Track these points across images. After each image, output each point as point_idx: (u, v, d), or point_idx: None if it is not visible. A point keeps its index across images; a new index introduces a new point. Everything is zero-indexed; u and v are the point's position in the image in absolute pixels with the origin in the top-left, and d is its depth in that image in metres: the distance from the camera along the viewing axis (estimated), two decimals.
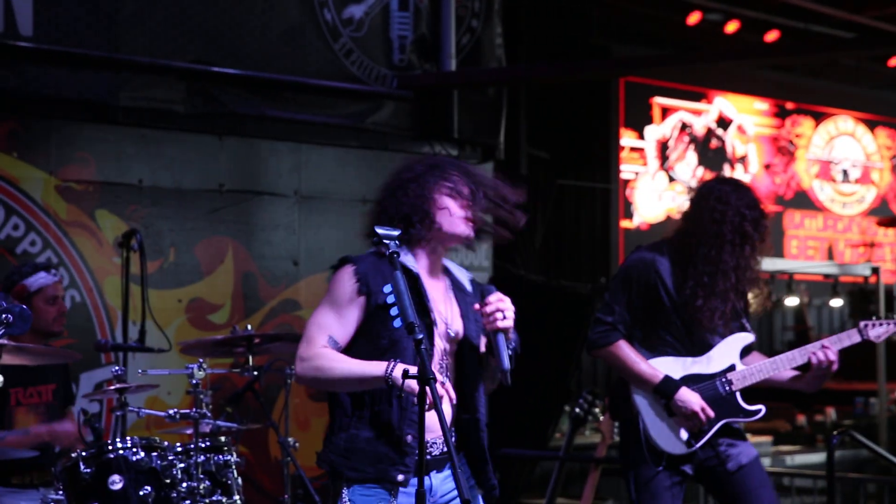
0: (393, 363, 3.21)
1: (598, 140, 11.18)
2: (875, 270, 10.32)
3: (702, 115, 12.08)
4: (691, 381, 4.44)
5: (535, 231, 10.00)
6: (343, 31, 7.17)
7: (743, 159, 12.40)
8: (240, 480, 4.78)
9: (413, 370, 3.13)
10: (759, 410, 4.47)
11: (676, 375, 4.42)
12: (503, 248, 8.11)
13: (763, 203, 4.50)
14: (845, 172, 13.39)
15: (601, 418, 6.12)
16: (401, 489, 3.32)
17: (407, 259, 3.40)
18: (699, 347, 4.49)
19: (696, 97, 12.01)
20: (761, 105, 12.63)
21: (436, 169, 3.48)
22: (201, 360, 4.97)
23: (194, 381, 4.88)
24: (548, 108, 10.63)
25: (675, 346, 4.47)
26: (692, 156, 11.97)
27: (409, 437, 3.32)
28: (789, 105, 12.85)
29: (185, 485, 4.51)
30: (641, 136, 11.50)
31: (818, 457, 8.97)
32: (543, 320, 7.49)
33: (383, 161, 7.28)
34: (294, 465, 5.38)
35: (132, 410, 4.94)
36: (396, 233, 3.41)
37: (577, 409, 6.07)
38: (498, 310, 3.31)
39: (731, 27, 11.46)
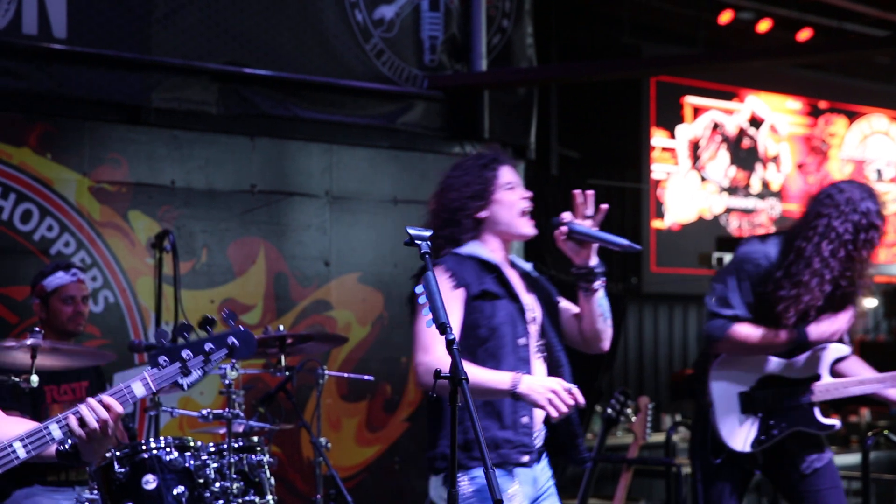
0: (518, 377, 3.28)
1: (629, 140, 11.16)
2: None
3: (734, 115, 12.01)
4: (773, 382, 4.40)
5: None
6: (374, 32, 7.19)
7: (776, 159, 12.33)
8: (272, 480, 4.80)
9: (535, 380, 3.24)
10: (834, 426, 4.41)
11: (762, 373, 4.39)
12: (534, 247, 8.11)
13: (878, 215, 4.29)
14: (879, 172, 13.29)
15: (633, 419, 6.10)
16: (520, 469, 3.42)
17: (481, 251, 3.50)
18: (793, 349, 4.41)
19: (728, 96, 11.95)
20: (794, 104, 12.55)
21: (479, 167, 3.55)
22: (234, 361, 4.99)
23: (227, 382, 4.90)
24: (578, 107, 10.62)
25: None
26: (724, 155, 11.91)
27: (525, 419, 3.43)
28: (822, 104, 12.76)
29: (217, 485, 4.53)
30: (673, 136, 11.46)
31: (853, 458, 8.91)
32: None
33: (414, 161, 7.29)
34: (326, 465, 5.39)
35: (165, 410, 4.97)
36: (428, 233, 3.43)
37: (609, 410, 6.04)
38: (573, 220, 3.49)
39: (764, 26, 11.40)
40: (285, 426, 5.41)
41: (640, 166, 11.17)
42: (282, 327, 5.46)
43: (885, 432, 5.81)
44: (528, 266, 3.67)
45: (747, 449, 4.39)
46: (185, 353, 2.80)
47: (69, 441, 2.77)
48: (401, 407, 7.09)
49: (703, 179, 11.72)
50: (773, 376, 4.42)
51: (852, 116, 13.03)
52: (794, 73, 12.26)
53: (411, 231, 3.59)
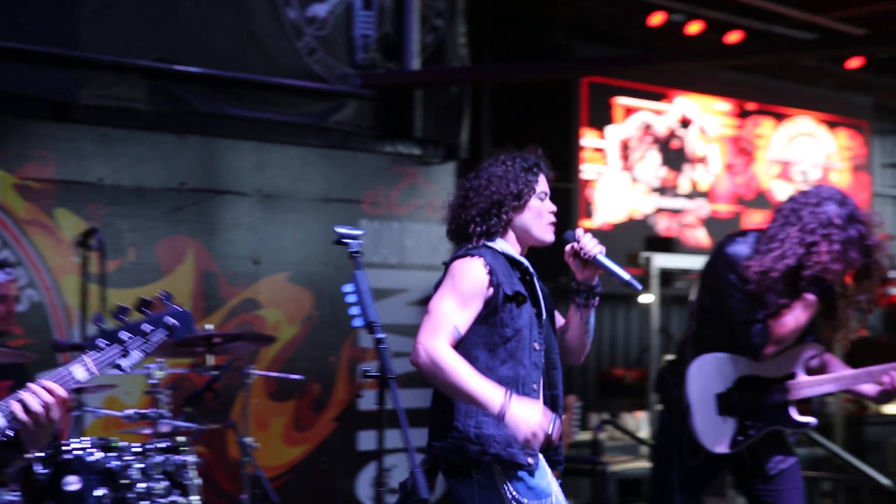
0: (508, 401, 3.28)
1: (561, 140, 11.21)
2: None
3: (664, 116, 12.13)
4: (749, 382, 4.44)
5: None
6: (306, 30, 7.17)
7: (704, 159, 12.47)
8: (198, 480, 4.78)
9: (523, 411, 3.26)
10: (808, 423, 4.46)
11: (738, 374, 4.43)
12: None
13: (860, 229, 4.31)
14: (805, 173, 13.50)
15: (562, 418, 6.14)
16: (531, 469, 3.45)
17: (511, 250, 3.54)
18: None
19: (659, 97, 12.07)
20: (722, 105, 12.71)
21: (523, 171, 3.62)
22: (160, 360, 4.97)
23: (153, 381, 4.87)
24: (510, 107, 10.66)
25: None
26: (654, 156, 12.02)
27: None
28: (750, 106, 12.93)
29: (142, 485, 4.50)
30: (603, 136, 11.55)
31: None
32: None
33: (346, 160, 7.29)
34: (253, 464, 5.38)
35: (89, 410, 4.93)
36: (359, 232, 3.47)
37: None
38: (590, 239, 3.56)
39: (694, 28, 11.52)
40: (212, 426, 5.39)
41: (570, 166, 11.24)
42: (211, 326, 5.44)
43: (807, 430, 5.90)
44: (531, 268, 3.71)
45: (726, 450, 4.42)
46: (124, 335, 2.77)
47: (11, 429, 2.74)
48: (329, 406, 7.08)
49: (633, 180, 11.83)
50: (749, 377, 4.45)
51: (779, 118, 13.22)
52: (723, 74, 12.41)
53: (340, 230, 3.61)
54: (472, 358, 3.45)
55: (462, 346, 3.45)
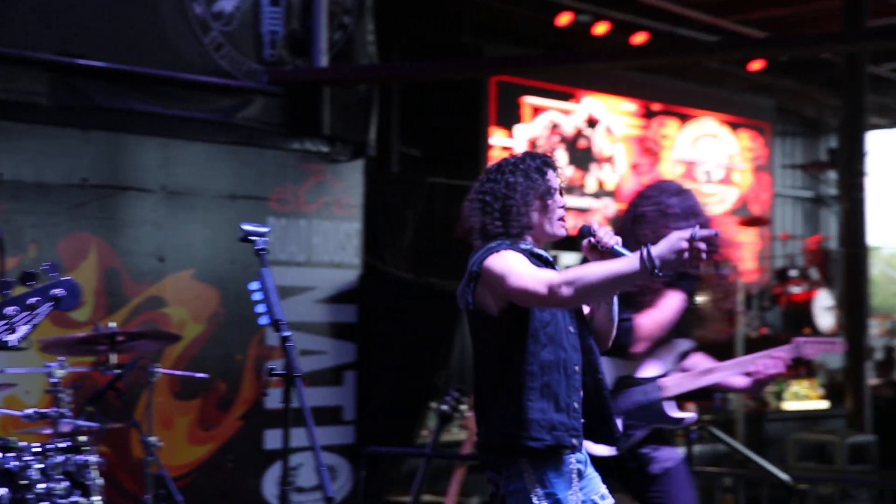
0: (646, 252, 3.21)
1: (470, 138, 11.27)
2: (734, 269, 10.60)
3: (571, 115, 12.25)
4: (625, 383, 4.46)
5: (405, 229, 10.03)
6: (213, 25, 7.10)
7: (610, 159, 12.62)
8: (100, 480, 4.71)
9: (662, 245, 3.19)
10: (685, 419, 4.50)
11: (615, 375, 4.44)
12: (372, 245, 8.14)
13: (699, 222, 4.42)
14: (708, 173, 13.73)
15: (468, 415, 6.17)
16: (572, 455, 3.49)
17: (534, 248, 3.57)
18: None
19: (566, 97, 12.18)
20: (628, 106, 12.87)
21: (535, 171, 3.61)
22: (61, 359, 4.89)
23: (54, 380, 4.79)
24: (419, 105, 10.67)
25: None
26: (561, 155, 12.13)
27: (576, 404, 3.51)
28: (655, 106, 13.11)
29: (41, 486, 4.43)
30: (512, 135, 11.62)
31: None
32: (412, 318, 7.53)
33: (252, 157, 7.24)
34: (157, 464, 5.32)
35: None
36: (265, 229, 3.46)
37: (445, 407, 6.11)
38: (605, 232, 3.57)
39: (601, 29, 11.65)
40: (115, 425, 5.32)
41: (479, 165, 11.29)
42: (114, 324, 5.37)
43: (708, 427, 6.01)
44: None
45: (610, 452, 4.40)
46: (10, 310, 2.69)
47: None
48: (235, 405, 7.03)
49: None
50: (625, 377, 4.49)
51: (684, 119, 13.42)
52: (629, 75, 12.57)
53: (246, 227, 3.59)
54: (511, 342, 3.50)
55: (501, 332, 3.50)
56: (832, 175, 15.55)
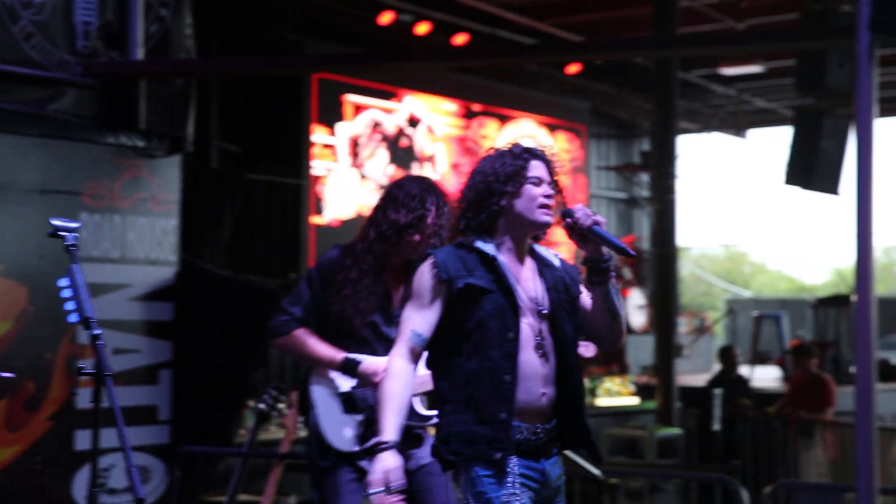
0: (389, 444, 3.34)
1: (290, 135, 11.21)
2: None
3: (393, 114, 12.30)
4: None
5: (224, 225, 9.93)
6: (23, 14, 6.87)
7: (432, 158, 12.72)
8: None
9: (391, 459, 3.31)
10: (432, 416, 4.48)
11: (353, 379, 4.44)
12: (190, 242, 8.02)
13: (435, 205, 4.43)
14: None
15: (286, 413, 6.15)
16: (506, 468, 3.37)
17: (487, 246, 3.46)
18: (374, 350, 4.46)
19: (388, 96, 12.23)
20: (449, 106, 13.00)
21: (511, 157, 3.51)
22: None
23: None
24: (240, 101, 10.56)
25: (350, 348, 4.50)
26: (383, 154, 12.17)
27: (503, 416, 3.37)
28: (476, 107, 13.28)
29: None
30: (333, 133, 11.61)
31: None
32: (230, 315, 7.45)
33: (65, 150, 7.03)
34: None
35: None
36: (76, 225, 3.38)
37: (262, 405, 6.06)
38: (582, 212, 3.43)
39: (422, 29, 11.75)
40: None
41: (300, 162, 11.25)
42: None
43: None
44: (552, 257, 3.61)
45: (352, 448, 4.41)
46: None
47: None
48: (44, 405, 6.82)
49: (363, 177, 11.94)
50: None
51: (503, 120, 13.63)
52: (450, 75, 12.70)
53: (55, 222, 3.49)
54: (440, 357, 3.47)
55: (436, 347, 3.47)
56: (645, 177, 16.03)
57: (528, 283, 3.52)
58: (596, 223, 3.43)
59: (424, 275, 3.45)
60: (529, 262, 3.57)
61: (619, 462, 10.63)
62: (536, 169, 3.51)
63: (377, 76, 11.89)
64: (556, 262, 3.60)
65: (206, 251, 8.77)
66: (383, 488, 3.31)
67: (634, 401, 12.66)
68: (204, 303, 7.50)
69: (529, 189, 3.47)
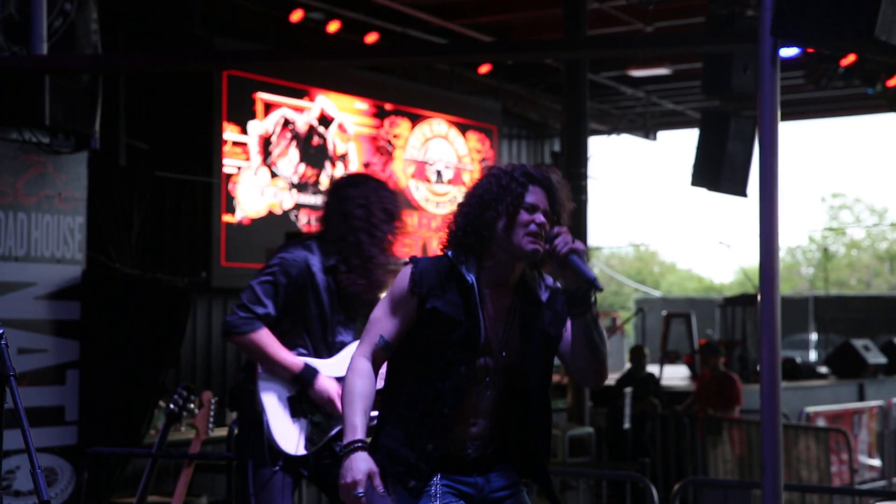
0: (355, 446, 3.27)
1: (201, 133, 11.12)
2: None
3: (304, 113, 12.25)
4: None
5: (132, 223, 9.80)
6: None
7: (344, 157, 12.69)
8: None
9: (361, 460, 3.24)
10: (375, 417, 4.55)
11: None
12: (97, 240, 7.90)
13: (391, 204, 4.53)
14: (439, 173, 14.01)
15: (196, 414, 6.08)
16: (427, 489, 3.31)
17: (468, 272, 3.35)
18: (332, 349, 4.51)
19: (299, 94, 12.17)
20: (361, 105, 12.98)
21: (508, 180, 3.37)
22: None
23: None
24: (148, 98, 10.44)
25: (308, 346, 4.49)
26: (294, 152, 12.12)
27: (430, 447, 3.31)
28: (388, 106, 13.28)
29: None
30: (244, 131, 11.52)
31: None
32: (139, 315, 7.35)
33: None
34: None
35: None
36: None
37: (172, 405, 5.99)
38: (561, 240, 3.28)
39: (333, 27, 11.72)
40: None
41: (211, 160, 11.15)
42: None
43: None
44: (542, 291, 3.46)
45: (301, 452, 4.42)
46: None
47: None
48: None
49: (274, 175, 11.87)
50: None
51: (415, 119, 13.65)
52: (362, 74, 12.69)
53: None
54: (396, 367, 3.41)
55: (396, 355, 3.40)
56: None
57: (498, 322, 3.40)
58: (573, 251, 3.29)
59: (403, 280, 3.38)
60: (510, 296, 3.42)
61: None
62: (534, 195, 3.37)
63: (288, 74, 11.84)
64: (544, 297, 3.46)
65: (114, 250, 8.64)
66: (364, 490, 3.24)
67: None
68: (111, 302, 7.39)
69: (522, 215, 3.34)
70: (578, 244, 3.31)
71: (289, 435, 4.44)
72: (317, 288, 4.47)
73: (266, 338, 4.42)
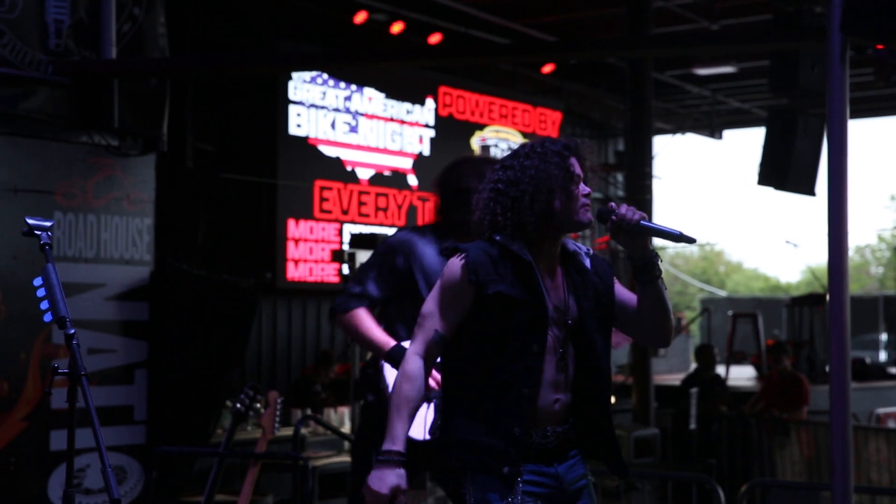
0: (392, 457, 3.23)
1: (265, 135, 11.20)
2: None
3: None
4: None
5: (199, 225, 9.90)
6: None
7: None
8: None
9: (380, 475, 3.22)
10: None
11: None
12: (165, 241, 7.99)
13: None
14: None
15: (263, 413, 6.12)
16: (518, 480, 3.26)
17: (523, 251, 3.30)
18: None
19: None
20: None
21: (555, 157, 3.34)
22: None
23: None
24: (215, 101, 10.54)
25: (407, 331, 4.45)
26: None
27: (517, 431, 3.24)
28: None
29: None
30: None
31: None
32: (206, 315, 7.42)
33: (36, 149, 6.99)
34: None
35: None
36: (49, 223, 3.35)
37: (238, 405, 6.04)
38: (625, 209, 3.30)
39: (397, 28, 11.75)
40: None
41: (274, 161, 11.24)
42: None
43: None
44: (584, 258, 3.45)
45: (426, 436, 4.30)
46: None
47: None
48: (18, 405, 6.77)
49: None
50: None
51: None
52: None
53: (30, 221, 3.47)
54: (457, 359, 3.35)
55: (453, 347, 3.34)
56: (620, 177, 16.06)
57: (557, 292, 3.38)
58: (643, 217, 3.29)
59: (455, 271, 3.31)
60: (559, 267, 3.42)
61: (595, 461, 10.64)
62: (576, 166, 3.37)
63: (352, 76, 11.89)
64: (587, 264, 3.44)
65: (181, 250, 8.73)
66: None
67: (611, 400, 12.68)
68: (179, 302, 7.47)
69: (576, 189, 3.34)
70: (642, 211, 3.33)
71: (415, 421, 4.41)
72: (425, 271, 4.39)
73: (359, 317, 4.39)
